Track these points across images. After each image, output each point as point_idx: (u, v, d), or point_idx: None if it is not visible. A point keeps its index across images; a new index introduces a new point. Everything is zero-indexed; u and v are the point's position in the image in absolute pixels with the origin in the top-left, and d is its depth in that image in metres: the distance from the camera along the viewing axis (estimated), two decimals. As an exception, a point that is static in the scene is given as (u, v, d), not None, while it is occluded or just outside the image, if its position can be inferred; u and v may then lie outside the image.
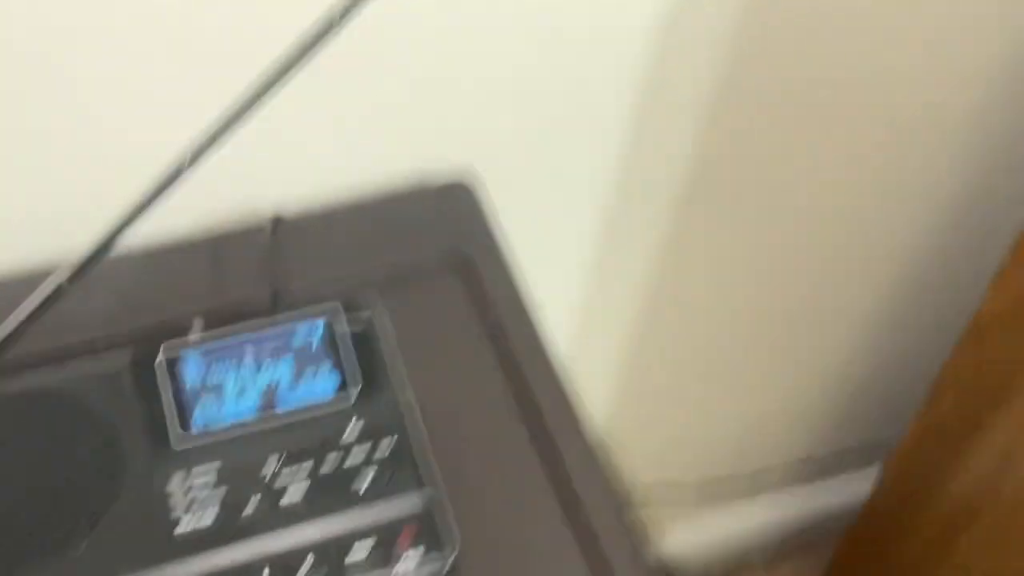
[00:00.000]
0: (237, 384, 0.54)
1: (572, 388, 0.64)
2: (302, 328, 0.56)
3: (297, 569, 0.50)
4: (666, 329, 1.06)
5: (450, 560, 0.51)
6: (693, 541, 1.42)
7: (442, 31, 0.70)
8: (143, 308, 0.65)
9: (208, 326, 0.62)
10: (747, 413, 1.26)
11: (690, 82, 0.82)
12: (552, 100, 0.78)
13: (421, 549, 0.51)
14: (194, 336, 0.58)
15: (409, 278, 0.69)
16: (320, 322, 0.56)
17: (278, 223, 0.70)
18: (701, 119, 0.85)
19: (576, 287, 0.95)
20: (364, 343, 0.56)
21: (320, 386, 0.55)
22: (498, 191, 0.76)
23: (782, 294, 1.08)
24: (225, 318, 0.64)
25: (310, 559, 0.50)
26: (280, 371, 0.55)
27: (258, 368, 0.55)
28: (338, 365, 0.55)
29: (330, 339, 0.56)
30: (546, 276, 0.86)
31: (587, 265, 0.93)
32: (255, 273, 0.66)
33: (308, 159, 0.74)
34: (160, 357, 0.54)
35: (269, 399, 0.54)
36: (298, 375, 0.55)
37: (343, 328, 0.56)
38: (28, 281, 0.52)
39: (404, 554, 0.50)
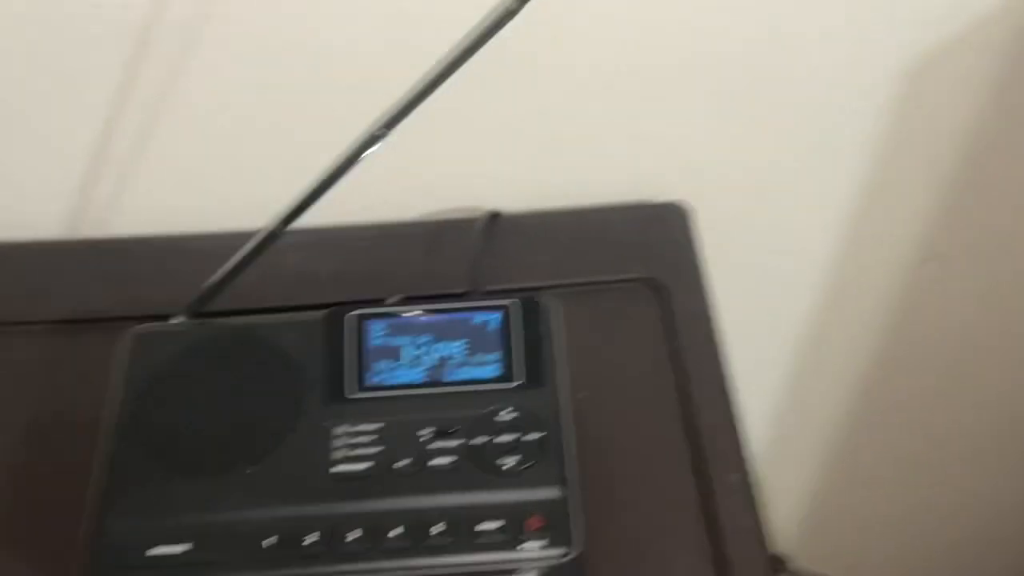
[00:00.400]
0: (412, 353, 0.59)
1: (743, 435, 0.64)
2: (480, 315, 0.60)
3: (429, 529, 0.53)
4: (872, 415, 1.01)
5: (568, 558, 0.52)
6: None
7: (676, 59, 0.72)
8: (360, 279, 0.71)
9: (402, 302, 0.68)
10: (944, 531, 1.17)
11: (943, 133, 0.79)
12: (787, 143, 0.77)
13: (545, 540, 0.52)
14: (387, 304, 0.64)
15: (606, 287, 0.72)
16: (498, 314, 0.60)
17: (495, 217, 0.74)
18: (948, 171, 0.81)
19: (777, 349, 0.93)
20: (533, 341, 0.59)
21: (486, 370, 0.58)
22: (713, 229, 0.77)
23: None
24: (425, 298, 0.70)
25: (443, 523, 0.53)
26: (453, 349, 0.59)
27: (434, 343, 0.59)
28: (506, 355, 0.58)
29: (503, 330, 0.59)
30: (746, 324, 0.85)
31: (791, 323, 0.91)
32: (461, 259, 0.71)
33: (540, 169, 0.78)
34: (351, 315, 0.60)
35: (437, 372, 0.58)
36: (469, 356, 0.59)
37: (517, 322, 0.59)
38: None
39: (528, 540, 0.52)
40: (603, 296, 0.71)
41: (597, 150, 0.76)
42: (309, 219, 0.77)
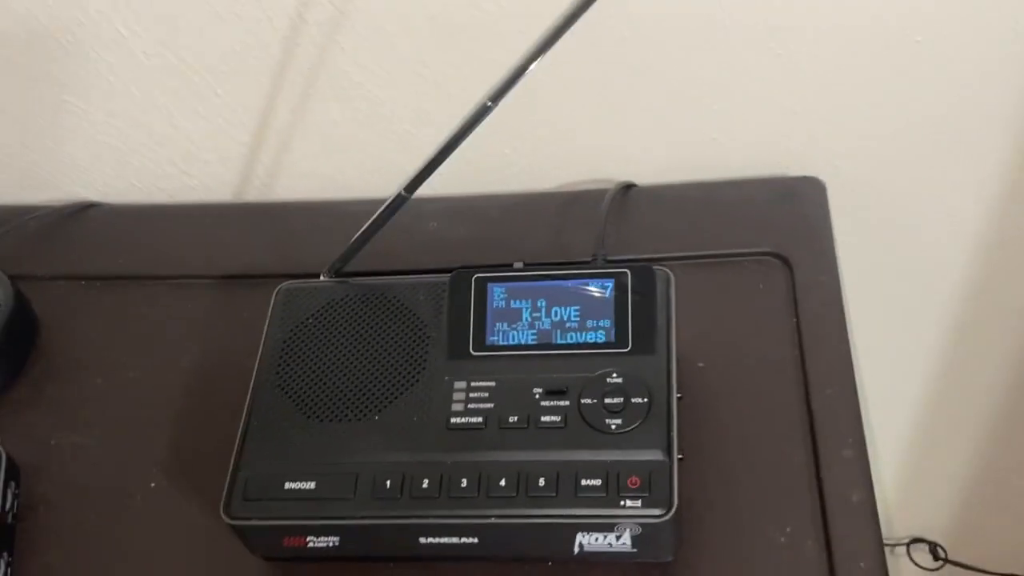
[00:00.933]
0: (530, 316, 0.62)
1: (860, 416, 0.63)
2: (595, 283, 0.62)
3: (533, 483, 0.56)
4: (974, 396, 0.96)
5: (664, 519, 0.54)
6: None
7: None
8: (494, 245, 0.75)
9: (527, 267, 0.71)
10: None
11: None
12: (930, 119, 0.75)
13: (639, 502, 0.54)
14: (512, 269, 0.67)
15: (735, 259, 0.72)
16: (610, 282, 0.62)
17: (628, 188, 0.76)
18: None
19: (897, 325, 0.90)
20: (645, 308, 0.61)
21: (596, 335, 0.60)
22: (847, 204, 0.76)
23: None
24: (550, 264, 0.73)
25: (547, 477, 0.56)
26: (568, 314, 0.61)
27: (551, 308, 0.62)
28: (617, 321, 0.60)
29: (615, 298, 0.61)
30: (868, 303, 0.83)
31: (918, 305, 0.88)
32: (590, 228, 0.73)
33: (675, 142, 0.78)
34: (475, 277, 0.63)
35: (551, 335, 0.61)
36: (581, 322, 0.61)
37: (629, 291, 0.61)
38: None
39: (626, 499, 0.55)
40: (731, 269, 0.71)
41: (733, 123, 0.77)
42: (449, 188, 0.82)
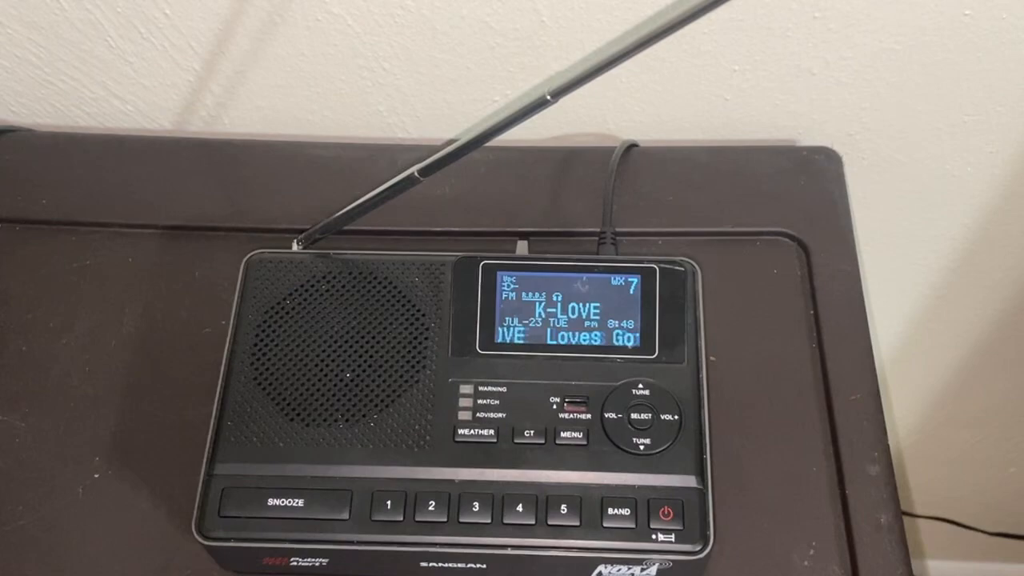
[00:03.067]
0: (544, 312, 0.55)
1: (885, 428, 0.59)
2: (618, 277, 0.55)
3: (554, 509, 0.50)
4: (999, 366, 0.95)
5: (699, 556, 0.49)
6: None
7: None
8: (483, 205, 0.67)
9: (534, 245, 0.63)
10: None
11: None
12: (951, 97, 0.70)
13: (672, 536, 0.50)
14: (520, 251, 0.59)
15: (744, 235, 0.67)
16: (636, 279, 0.55)
17: (630, 148, 0.69)
18: None
19: (915, 299, 0.87)
20: (673, 310, 0.55)
21: (620, 338, 0.54)
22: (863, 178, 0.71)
23: None
24: (553, 236, 0.66)
25: (569, 503, 0.50)
26: (587, 312, 0.55)
27: (567, 304, 0.55)
28: (643, 324, 0.54)
29: (642, 297, 0.55)
30: (885, 275, 0.80)
31: (933, 275, 0.85)
32: (592, 191, 0.66)
33: (677, 99, 0.71)
34: (482, 265, 0.56)
35: (569, 335, 0.55)
36: (603, 321, 0.55)
37: (657, 291, 0.55)
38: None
39: (657, 534, 0.50)
40: (743, 248, 0.66)
41: (740, 82, 0.70)
42: (427, 132, 0.73)
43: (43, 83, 0.70)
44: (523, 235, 0.64)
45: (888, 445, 0.58)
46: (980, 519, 1.17)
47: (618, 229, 0.63)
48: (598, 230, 0.62)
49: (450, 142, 0.50)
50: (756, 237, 0.66)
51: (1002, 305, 0.87)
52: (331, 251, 0.58)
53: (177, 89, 0.70)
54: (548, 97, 0.45)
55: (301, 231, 0.61)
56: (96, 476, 0.58)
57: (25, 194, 0.68)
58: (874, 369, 0.61)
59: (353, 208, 0.55)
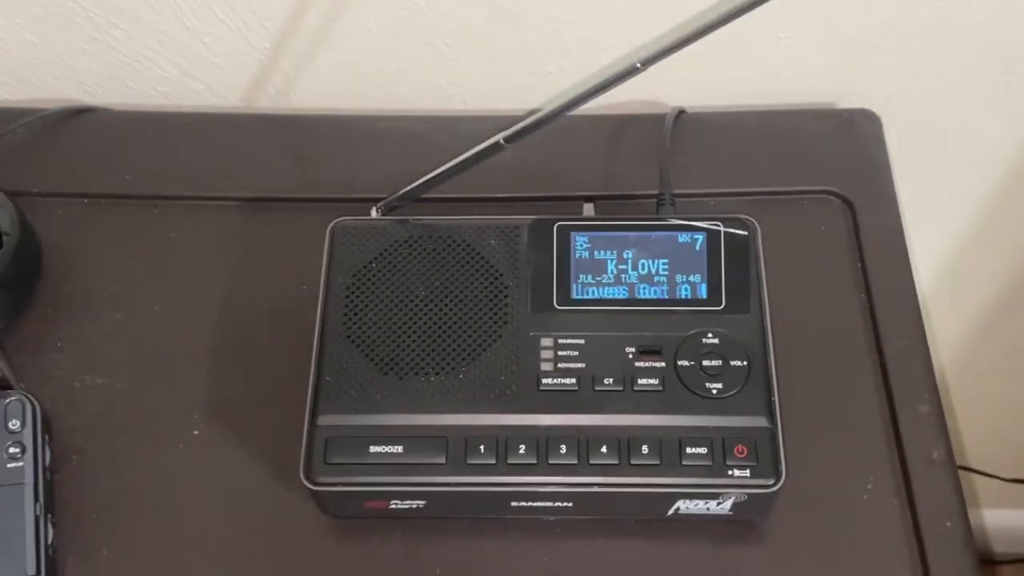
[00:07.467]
0: (616, 269, 0.59)
1: (933, 369, 0.63)
2: (684, 235, 0.59)
3: (636, 450, 0.54)
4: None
5: (773, 489, 0.53)
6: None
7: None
8: (544, 172, 0.70)
9: (597, 208, 0.67)
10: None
11: None
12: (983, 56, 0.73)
13: (747, 471, 0.54)
14: (587, 213, 0.63)
15: (792, 195, 0.70)
16: (702, 235, 0.59)
17: (680, 115, 0.73)
18: None
19: (953, 248, 0.91)
20: (738, 263, 0.58)
21: (689, 291, 0.58)
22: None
23: None
24: (613, 199, 0.69)
25: (650, 444, 0.54)
26: (656, 268, 0.59)
27: (637, 261, 0.59)
28: (710, 277, 0.58)
29: (708, 252, 0.59)
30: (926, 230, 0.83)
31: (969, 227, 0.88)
32: (645, 157, 0.69)
33: (727, 67, 0.74)
34: (556, 226, 0.59)
35: (641, 289, 0.58)
36: (671, 276, 0.59)
37: (721, 247, 0.59)
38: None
39: (733, 469, 0.54)
40: (791, 207, 0.69)
41: (785, 49, 0.73)
42: (485, 105, 0.77)
43: (120, 64, 0.73)
44: (586, 199, 0.68)
45: (936, 385, 0.62)
46: (996, 466, 1.21)
47: (674, 192, 0.67)
48: (656, 192, 0.66)
49: (533, 111, 0.54)
50: (803, 196, 0.70)
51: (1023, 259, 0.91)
52: (410, 217, 0.62)
53: (248, 67, 0.73)
54: (638, 65, 0.48)
55: (373, 200, 0.65)
56: (196, 432, 0.62)
57: (108, 171, 0.72)
58: (920, 316, 0.65)
59: (436, 175, 0.59)
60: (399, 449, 0.55)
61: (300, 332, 0.60)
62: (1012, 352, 1.06)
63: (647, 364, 0.57)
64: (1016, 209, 0.85)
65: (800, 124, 0.73)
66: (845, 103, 0.75)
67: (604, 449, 0.54)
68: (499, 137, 0.55)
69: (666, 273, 0.59)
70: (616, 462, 0.54)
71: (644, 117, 0.73)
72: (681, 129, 0.72)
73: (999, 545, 1.40)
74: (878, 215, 0.69)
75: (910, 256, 0.68)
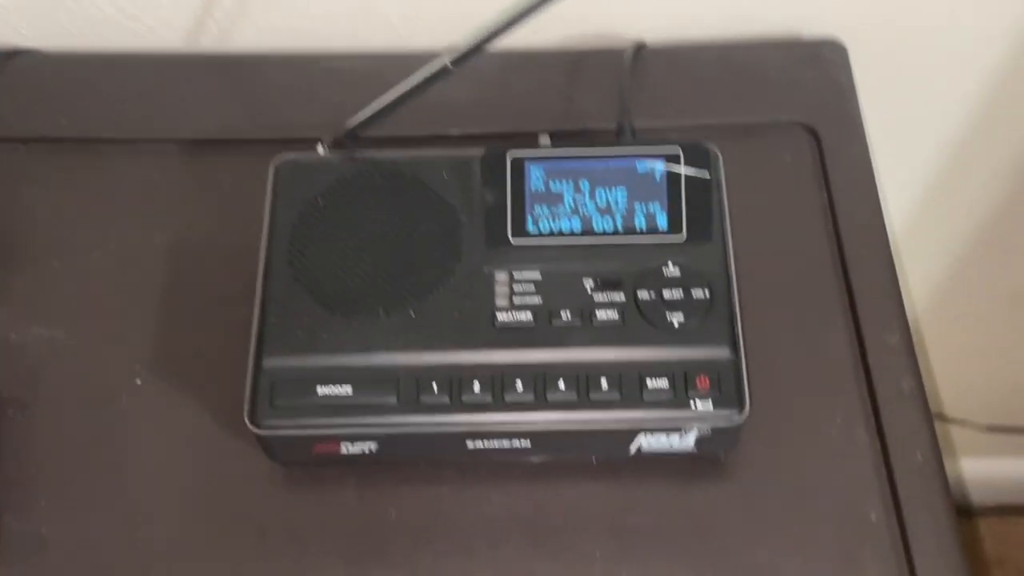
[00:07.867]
0: (573, 200, 0.56)
1: (902, 299, 0.61)
2: (643, 164, 0.57)
3: (595, 384, 0.52)
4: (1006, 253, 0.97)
5: (736, 422, 0.52)
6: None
7: None
8: (499, 109, 0.68)
9: (554, 141, 0.64)
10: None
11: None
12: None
13: (710, 403, 0.52)
14: (543, 145, 0.61)
15: (756, 127, 0.68)
16: (660, 162, 0.57)
17: (640, 49, 0.70)
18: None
19: (923, 180, 0.89)
20: (698, 191, 0.56)
21: (649, 221, 0.56)
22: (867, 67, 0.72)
23: None
24: (571, 134, 0.67)
25: (609, 378, 0.52)
26: (614, 198, 0.56)
27: (594, 191, 0.56)
28: (670, 206, 0.56)
29: (668, 180, 0.56)
30: (896, 159, 0.81)
31: (943, 156, 0.86)
32: (604, 92, 0.67)
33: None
34: (509, 157, 0.57)
35: (598, 221, 0.56)
36: (630, 207, 0.56)
37: (681, 172, 0.56)
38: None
39: (695, 401, 0.52)
40: (756, 140, 0.67)
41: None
42: (434, 41, 0.74)
43: (54, 3, 0.70)
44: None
45: (905, 314, 0.60)
46: (973, 414, 1.21)
47: (634, 127, 0.64)
48: (615, 126, 0.64)
49: (492, 32, 0.51)
50: (768, 128, 0.68)
51: (1000, 196, 0.90)
52: (359, 152, 0.59)
53: (190, 6, 0.70)
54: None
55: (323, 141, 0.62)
56: (138, 382, 0.59)
57: (43, 115, 0.68)
58: (888, 246, 0.63)
59: (384, 107, 0.56)
60: (348, 390, 0.53)
61: (246, 276, 0.58)
62: (988, 298, 1.04)
63: (606, 297, 0.54)
64: (989, 141, 0.83)
65: (764, 55, 0.71)
66: (809, 32, 0.73)
67: (562, 385, 0.52)
68: (445, 59, 0.52)
69: (625, 203, 0.56)
70: (575, 398, 0.52)
71: (603, 52, 0.70)
72: (642, 63, 0.70)
73: (977, 495, 1.40)
74: (845, 145, 0.67)
75: (879, 190, 0.66)
